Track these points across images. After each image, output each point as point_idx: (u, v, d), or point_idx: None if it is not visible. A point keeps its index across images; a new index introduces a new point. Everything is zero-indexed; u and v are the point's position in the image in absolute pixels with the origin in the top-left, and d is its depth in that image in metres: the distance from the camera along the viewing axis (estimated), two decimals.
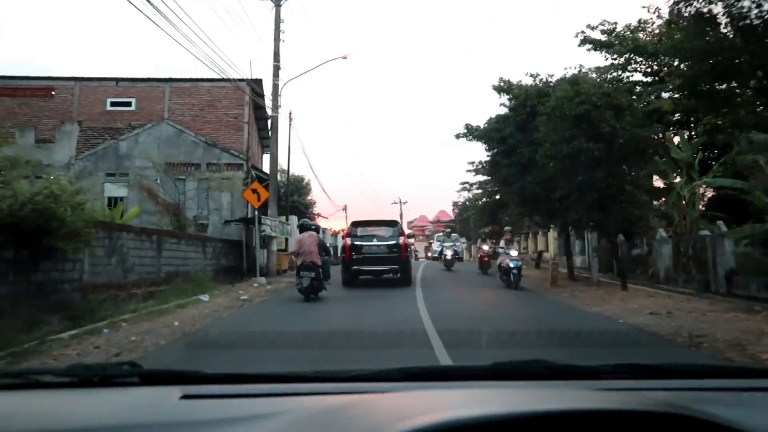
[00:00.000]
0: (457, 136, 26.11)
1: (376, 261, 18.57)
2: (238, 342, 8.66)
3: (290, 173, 41.50)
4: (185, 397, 1.69)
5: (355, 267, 18.70)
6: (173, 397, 1.68)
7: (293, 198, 41.50)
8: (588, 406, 1.30)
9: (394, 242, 18.75)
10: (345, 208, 63.74)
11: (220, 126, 28.76)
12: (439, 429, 1.16)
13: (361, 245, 18.65)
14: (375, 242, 18.67)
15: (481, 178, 41.67)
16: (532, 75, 24.06)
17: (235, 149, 27.46)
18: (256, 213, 22.37)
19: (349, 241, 18.99)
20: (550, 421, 1.23)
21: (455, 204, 75.69)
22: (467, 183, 54.45)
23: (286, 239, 29.38)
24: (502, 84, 24.15)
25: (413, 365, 2.04)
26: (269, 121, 26.71)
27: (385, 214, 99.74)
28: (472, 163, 43.94)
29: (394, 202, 78.30)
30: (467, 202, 65.02)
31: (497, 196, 35.48)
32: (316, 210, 52.60)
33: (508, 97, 23.66)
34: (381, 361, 6.00)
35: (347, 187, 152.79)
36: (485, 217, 42.32)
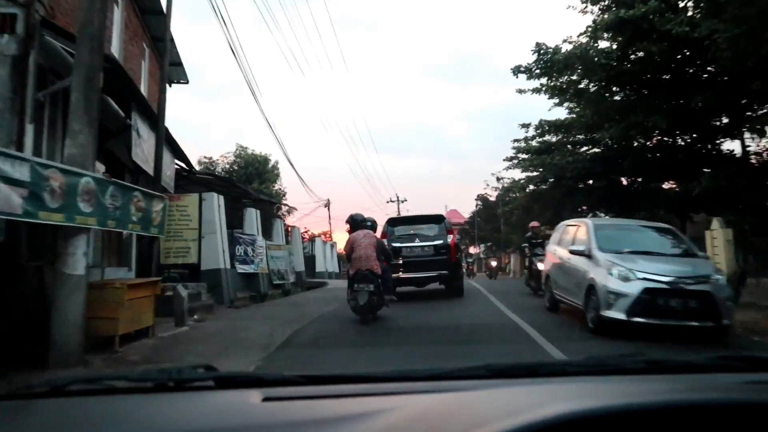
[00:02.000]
0: (520, 71, 19.89)
1: (419, 266, 15.58)
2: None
3: (252, 151, 36.33)
4: (267, 399, 1.61)
5: (394, 275, 14.83)
6: (254, 400, 1.61)
7: (254, 185, 32.53)
8: (692, 397, 1.22)
9: (441, 242, 15.81)
10: (328, 205, 53.02)
11: None
12: (542, 426, 1.10)
13: (401, 247, 15.60)
14: (418, 243, 15.84)
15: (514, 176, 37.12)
16: None
17: None
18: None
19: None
20: (656, 415, 1.15)
21: (481, 197, 60.12)
22: (515, 156, 29.63)
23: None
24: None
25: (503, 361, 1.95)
26: None
27: (383, 213, 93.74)
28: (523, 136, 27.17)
29: (390, 200, 64.46)
30: (507, 195, 46.52)
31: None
32: (290, 204, 41.40)
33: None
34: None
35: (332, 177, 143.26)
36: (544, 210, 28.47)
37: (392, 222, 16.83)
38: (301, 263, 28.26)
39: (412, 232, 16.16)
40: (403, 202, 64.31)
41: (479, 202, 61.42)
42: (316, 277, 33.95)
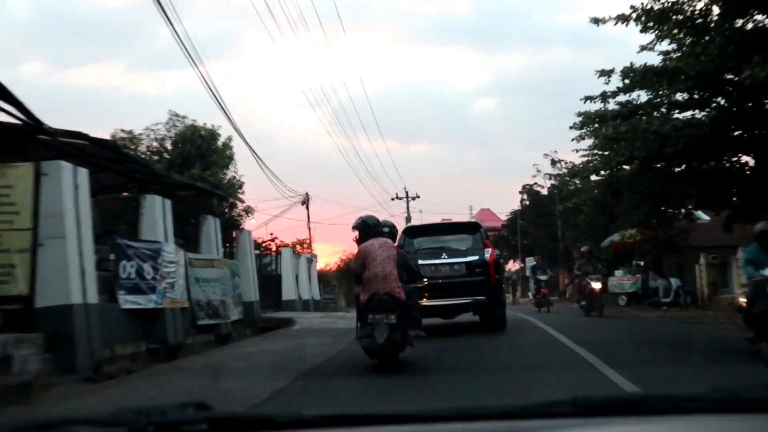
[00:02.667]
0: None
1: (448, 291, 12.72)
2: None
3: (193, 122, 25.22)
4: None
5: None
6: None
7: (195, 170, 23.04)
8: None
9: (476, 258, 13.03)
10: (306, 202, 40.91)
11: None
12: None
13: (423, 265, 12.28)
14: (445, 259, 13.04)
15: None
16: None
17: None
18: None
19: None
20: None
21: (528, 190, 44.87)
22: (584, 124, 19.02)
23: None
24: None
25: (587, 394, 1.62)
26: None
27: (387, 215, 79.45)
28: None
29: (397, 197, 49.40)
30: (568, 185, 35.05)
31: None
32: (248, 200, 30.24)
33: None
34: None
35: (321, 167, 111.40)
36: (631, 207, 21.30)
37: (411, 232, 14.24)
38: (253, 289, 18.92)
39: (437, 245, 13.58)
40: (414, 199, 51.48)
41: (524, 197, 45.36)
42: (283, 308, 24.88)
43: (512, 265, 49.61)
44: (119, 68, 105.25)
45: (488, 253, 13.16)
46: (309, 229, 42.93)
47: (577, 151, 18.44)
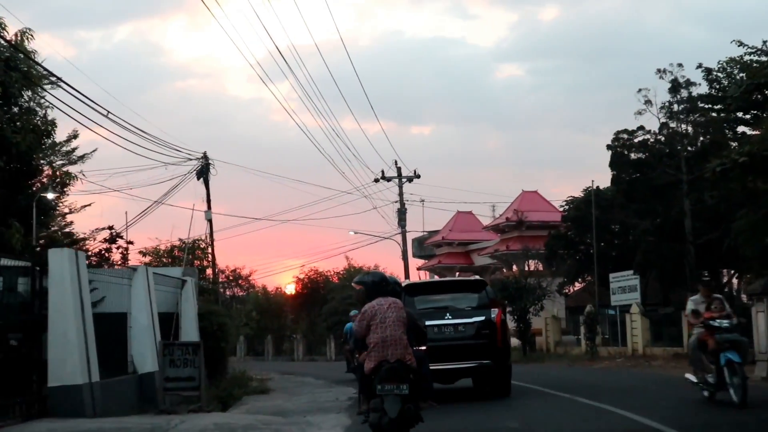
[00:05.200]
0: None
1: (451, 354, 12.05)
2: None
3: None
4: None
5: None
6: None
7: None
8: None
9: (482, 318, 12.74)
10: (205, 170, 24.97)
11: None
12: None
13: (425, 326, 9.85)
14: (449, 320, 12.62)
15: None
16: None
17: None
18: None
19: None
20: None
21: (625, 142, 28.27)
22: None
23: None
24: None
25: None
26: None
27: (366, 206, 63.13)
28: None
29: (383, 177, 37.18)
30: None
31: None
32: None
33: None
34: None
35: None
36: None
37: (411, 289, 13.18)
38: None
39: (440, 304, 13.24)
40: (412, 179, 37.74)
41: (622, 152, 28.12)
42: (118, 374, 12.33)
43: (578, 293, 34.50)
44: None
45: (495, 313, 12.98)
46: (209, 225, 24.30)
47: None
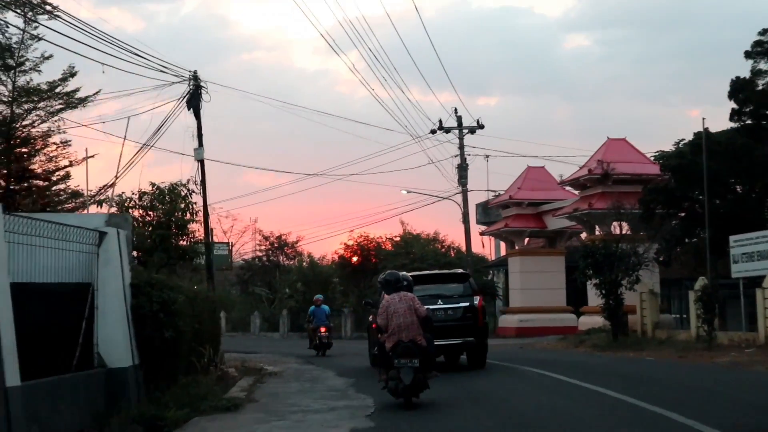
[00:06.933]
0: None
1: (441, 332, 13.74)
2: None
3: None
4: None
5: None
6: None
7: None
8: None
9: (467, 304, 15.64)
10: (194, 94, 19.55)
11: None
12: None
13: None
14: (440, 305, 15.10)
15: None
16: None
17: None
18: None
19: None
20: None
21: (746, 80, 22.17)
22: None
23: None
24: None
25: None
26: None
27: (419, 157, 48.98)
28: None
29: (440, 128, 34.60)
30: None
31: None
32: None
33: None
34: None
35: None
36: None
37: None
38: None
39: (432, 292, 15.44)
40: (474, 131, 34.55)
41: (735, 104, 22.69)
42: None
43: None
44: None
45: (477, 299, 15.89)
46: (200, 167, 19.24)
47: None
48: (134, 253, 15.33)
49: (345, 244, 45.52)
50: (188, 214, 15.37)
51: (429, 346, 10.35)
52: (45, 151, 22.05)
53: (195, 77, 18.23)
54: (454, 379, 13.68)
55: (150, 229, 15.09)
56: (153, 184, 15.29)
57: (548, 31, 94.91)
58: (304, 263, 48.38)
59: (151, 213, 15.38)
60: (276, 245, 51.48)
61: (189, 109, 18.16)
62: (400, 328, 10.13)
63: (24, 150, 21.54)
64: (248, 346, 30.89)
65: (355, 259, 44.97)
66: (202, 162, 18.00)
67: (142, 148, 19.84)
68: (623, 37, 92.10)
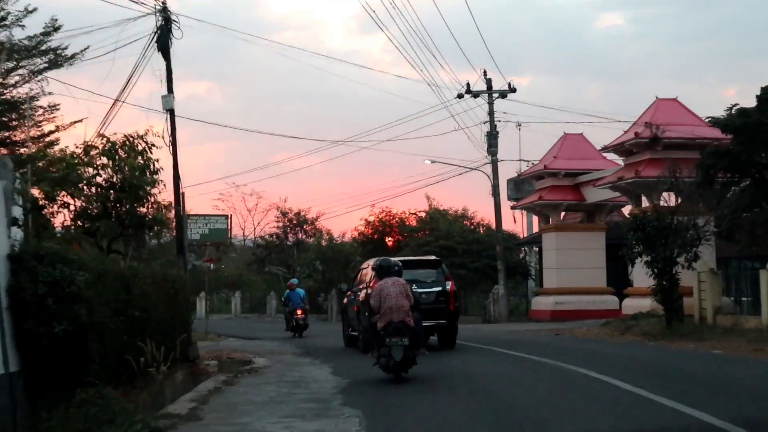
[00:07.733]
0: None
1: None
2: None
3: None
4: None
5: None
6: None
7: None
8: None
9: (439, 289, 16.63)
10: (164, 31, 15.90)
11: None
12: None
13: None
14: (415, 289, 14.14)
15: None
16: None
17: None
18: None
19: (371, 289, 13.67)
20: None
21: None
22: None
23: None
24: None
25: None
26: None
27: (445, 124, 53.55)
28: None
29: (467, 92, 32.79)
30: None
31: None
32: None
33: None
34: None
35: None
36: None
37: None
38: None
39: (408, 277, 14.49)
40: (506, 95, 33.04)
41: None
42: None
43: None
44: None
45: (449, 285, 16.80)
46: (169, 117, 15.85)
47: None
48: (79, 223, 12.48)
49: (365, 219, 42.46)
50: (147, 174, 12.36)
51: (417, 326, 11.28)
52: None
53: (164, 8, 15.14)
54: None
55: (98, 191, 12.16)
56: (102, 136, 12.31)
57: (581, 10, 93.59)
58: (323, 241, 45.44)
59: (103, 173, 12.45)
60: (294, 222, 48.56)
61: (159, 51, 15.10)
62: (391, 309, 11.01)
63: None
64: (254, 330, 28.34)
65: (376, 236, 41.91)
66: (171, 111, 14.90)
67: (115, 103, 16.95)
68: (657, 15, 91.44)
